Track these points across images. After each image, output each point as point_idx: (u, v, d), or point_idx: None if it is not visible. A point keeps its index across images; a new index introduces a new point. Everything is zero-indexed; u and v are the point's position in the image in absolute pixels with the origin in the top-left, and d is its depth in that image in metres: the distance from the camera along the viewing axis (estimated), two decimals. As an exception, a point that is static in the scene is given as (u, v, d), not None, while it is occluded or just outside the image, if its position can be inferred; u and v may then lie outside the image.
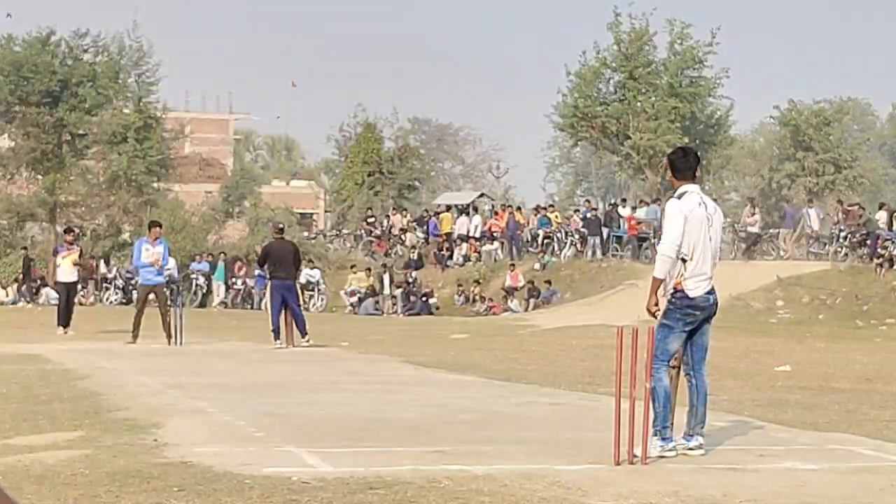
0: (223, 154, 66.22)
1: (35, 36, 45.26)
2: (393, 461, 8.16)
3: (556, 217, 43.13)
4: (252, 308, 39.25)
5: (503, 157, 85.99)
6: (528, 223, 42.50)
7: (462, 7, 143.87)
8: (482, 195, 51.18)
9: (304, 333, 20.35)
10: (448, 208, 46.65)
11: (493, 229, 42.69)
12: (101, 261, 41.93)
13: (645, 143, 42.76)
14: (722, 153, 46.90)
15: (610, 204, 48.75)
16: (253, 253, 40.34)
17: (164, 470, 7.77)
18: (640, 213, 39.49)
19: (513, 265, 39.08)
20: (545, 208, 45.19)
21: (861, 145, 55.06)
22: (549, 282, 37.15)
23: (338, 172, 55.20)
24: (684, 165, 8.92)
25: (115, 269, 41.57)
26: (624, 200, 44.74)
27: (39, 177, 45.94)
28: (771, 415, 11.28)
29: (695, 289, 8.66)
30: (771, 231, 39.63)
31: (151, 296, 21.47)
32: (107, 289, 41.06)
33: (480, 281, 39.20)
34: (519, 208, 46.68)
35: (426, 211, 49.20)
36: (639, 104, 43.49)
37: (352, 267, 41.33)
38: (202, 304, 39.98)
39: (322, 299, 39.18)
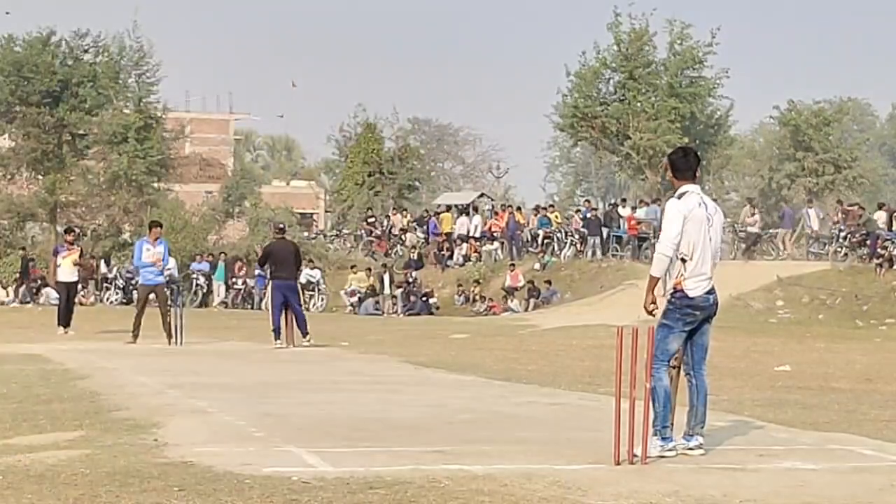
0: (223, 154, 66.22)
1: (35, 36, 45.26)
2: (393, 461, 8.16)
3: (556, 217, 43.15)
4: (252, 308, 39.27)
5: (503, 157, 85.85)
6: (528, 223, 42.51)
7: (462, 7, 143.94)
8: (482, 195, 51.18)
9: (305, 333, 20.38)
10: (448, 208, 46.66)
11: (493, 229, 42.72)
12: (102, 261, 41.92)
13: (645, 143, 42.76)
14: (722, 153, 46.89)
15: (610, 204, 48.78)
16: (253, 253, 40.36)
17: (165, 470, 7.77)
18: (640, 213, 39.51)
19: (513, 265, 39.09)
20: (545, 208, 45.21)
21: (861, 145, 55.05)
22: (549, 282, 37.16)
23: (338, 172, 55.22)
24: (685, 165, 8.93)
25: (115, 269, 41.55)
26: (624, 200, 44.75)
27: (40, 177, 45.93)
28: (771, 415, 11.29)
29: (694, 289, 8.67)
30: (771, 231, 39.65)
31: (152, 296, 21.49)
32: (107, 289, 41.05)
33: (480, 281, 39.22)
34: (519, 208, 46.70)
35: (426, 211, 49.21)
36: (639, 104, 43.49)
37: (352, 267, 41.34)
38: (202, 304, 39.99)
39: (322, 299, 39.19)
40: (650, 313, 8.70)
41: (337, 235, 48.28)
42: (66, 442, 9.07)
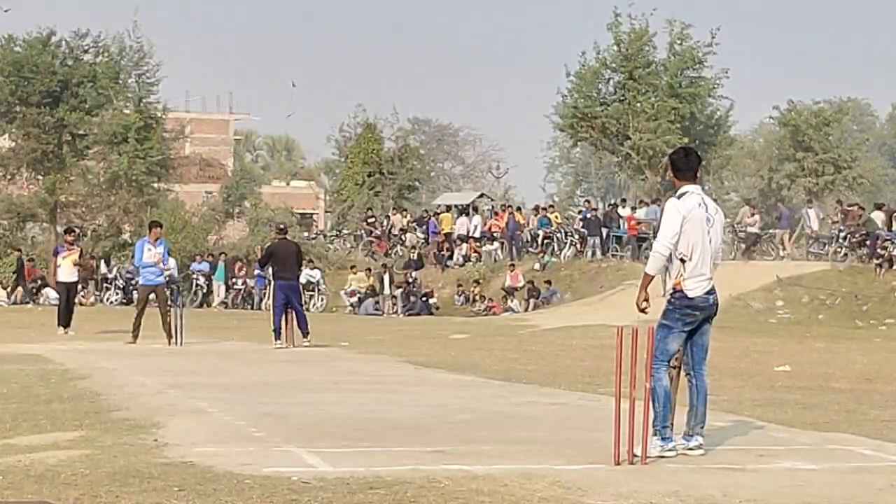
0: (223, 154, 66.23)
1: (35, 36, 45.22)
2: (393, 461, 8.16)
3: (556, 217, 43.16)
4: (252, 308, 39.28)
5: (503, 157, 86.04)
6: (528, 223, 42.52)
7: (462, 7, 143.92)
8: (482, 195, 51.20)
9: (305, 333, 20.41)
10: (448, 208, 46.67)
11: (493, 229, 42.72)
12: (102, 261, 41.90)
13: (645, 143, 42.75)
14: (721, 153, 46.86)
15: (610, 204, 48.77)
16: (253, 253, 40.36)
17: (165, 470, 7.77)
18: (640, 213, 39.52)
19: (513, 265, 39.10)
20: (545, 208, 45.22)
21: (861, 145, 55.04)
22: (548, 282, 37.17)
23: (338, 172, 55.22)
24: (685, 166, 8.93)
25: (115, 270, 41.53)
26: (624, 201, 44.76)
27: (40, 177, 45.89)
28: (771, 415, 11.29)
29: (694, 289, 8.67)
30: (770, 231, 39.67)
31: (152, 296, 21.49)
32: (107, 289, 41.03)
33: (480, 281, 39.23)
34: (519, 208, 46.71)
35: (426, 211, 49.22)
36: (639, 104, 43.47)
37: (352, 267, 41.34)
38: (202, 305, 39.98)
39: (322, 299, 39.19)
40: (642, 311, 8.70)
41: (337, 235, 48.26)
42: (66, 442, 9.07)
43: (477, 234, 42.82)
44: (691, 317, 8.69)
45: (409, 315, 37.38)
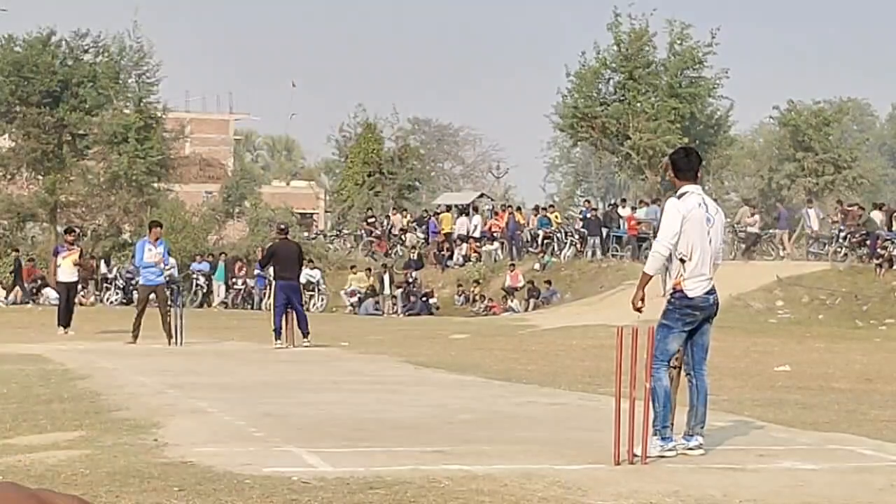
0: (223, 154, 66.21)
1: (35, 36, 45.23)
2: (393, 461, 8.16)
3: (556, 217, 43.16)
4: (252, 308, 39.28)
5: (503, 157, 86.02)
6: (528, 223, 42.53)
7: (462, 7, 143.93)
8: (482, 195, 51.19)
9: (305, 333, 20.42)
10: (448, 208, 46.67)
11: (493, 229, 42.73)
12: (102, 261, 41.90)
13: (645, 143, 42.76)
14: (721, 153, 46.87)
15: (610, 204, 48.77)
16: (253, 253, 40.35)
17: (165, 470, 7.77)
18: (640, 213, 39.53)
19: (513, 265, 39.10)
20: (545, 208, 45.22)
21: (861, 145, 55.04)
22: (549, 282, 37.18)
23: (338, 172, 55.20)
24: (686, 166, 8.93)
25: (115, 270, 41.53)
26: (624, 201, 44.77)
27: (40, 177, 45.90)
28: (771, 415, 11.29)
29: (694, 289, 8.67)
30: (770, 231, 39.67)
31: (152, 296, 21.50)
32: (107, 289, 41.03)
33: (480, 281, 39.23)
34: (519, 208, 46.71)
35: (426, 211, 49.21)
36: (639, 104, 43.48)
37: (352, 267, 41.34)
38: (202, 304, 39.98)
39: (322, 299, 39.19)
40: (637, 309, 8.70)
41: (337, 235, 48.26)
42: (66, 442, 9.07)
43: (477, 234, 42.82)
44: (691, 317, 8.69)
45: (409, 315, 37.37)
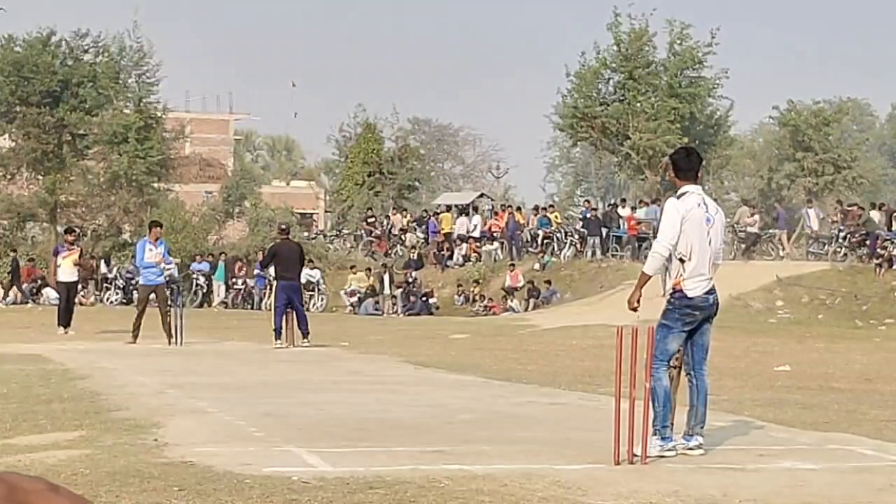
0: (223, 154, 66.22)
1: (35, 36, 45.23)
2: (393, 461, 8.16)
3: (556, 217, 43.16)
4: (252, 308, 39.28)
5: (503, 157, 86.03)
6: (528, 223, 42.53)
7: (463, 7, 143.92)
8: (482, 195, 51.20)
9: (305, 333, 20.42)
10: (448, 208, 46.67)
11: (492, 229, 42.73)
12: (102, 261, 41.89)
13: (644, 143, 42.76)
14: (721, 153, 46.86)
15: (610, 204, 48.78)
16: (253, 253, 40.34)
17: (165, 470, 7.77)
18: (640, 213, 39.54)
19: (513, 265, 39.10)
20: (545, 208, 45.23)
21: (860, 145, 55.05)
22: (548, 282, 37.17)
23: (338, 172, 55.20)
24: (686, 165, 8.93)
25: (115, 270, 41.53)
26: (623, 201, 44.77)
27: (40, 177, 45.90)
28: (771, 415, 11.29)
29: (693, 289, 8.67)
30: (770, 231, 39.68)
31: (152, 296, 21.50)
32: (107, 289, 41.03)
33: (480, 281, 39.23)
34: (519, 208, 46.71)
35: (426, 211, 49.21)
36: (638, 104, 43.48)
37: (352, 267, 41.33)
38: (202, 304, 39.98)
39: (322, 299, 39.18)
40: (633, 309, 8.70)
41: (337, 235, 48.26)
42: (66, 442, 9.07)
43: (477, 234, 42.82)
44: (691, 317, 8.69)
45: (409, 315, 37.37)
